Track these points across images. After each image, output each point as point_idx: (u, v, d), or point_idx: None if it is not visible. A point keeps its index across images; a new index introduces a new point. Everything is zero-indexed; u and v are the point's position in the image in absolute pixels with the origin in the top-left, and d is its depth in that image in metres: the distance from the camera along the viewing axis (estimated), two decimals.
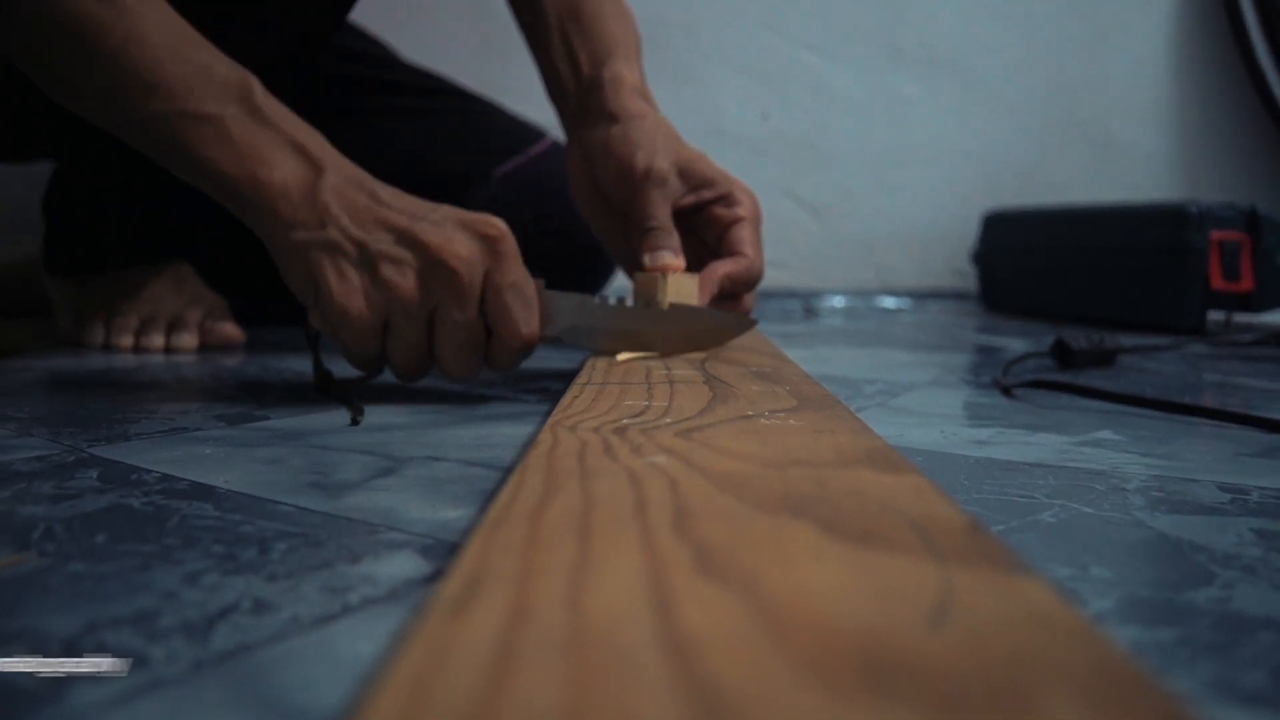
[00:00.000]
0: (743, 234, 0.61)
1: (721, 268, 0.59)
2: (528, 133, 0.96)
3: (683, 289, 0.56)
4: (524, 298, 0.48)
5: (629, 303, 0.58)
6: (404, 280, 0.46)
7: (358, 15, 1.07)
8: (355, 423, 0.46)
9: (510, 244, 0.48)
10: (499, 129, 0.95)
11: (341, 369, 0.55)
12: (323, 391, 0.53)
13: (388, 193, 0.48)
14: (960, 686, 0.14)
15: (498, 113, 0.98)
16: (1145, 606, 0.23)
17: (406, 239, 0.46)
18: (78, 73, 0.47)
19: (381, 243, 0.46)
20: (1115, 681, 0.15)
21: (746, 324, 0.58)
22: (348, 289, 0.46)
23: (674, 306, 0.55)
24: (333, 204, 0.46)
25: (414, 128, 0.93)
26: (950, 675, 0.15)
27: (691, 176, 0.61)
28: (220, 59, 0.48)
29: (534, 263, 0.54)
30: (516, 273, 0.48)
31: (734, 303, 0.62)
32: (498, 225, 0.48)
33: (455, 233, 0.46)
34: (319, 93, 0.87)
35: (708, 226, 0.62)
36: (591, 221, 0.66)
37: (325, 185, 0.46)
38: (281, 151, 0.46)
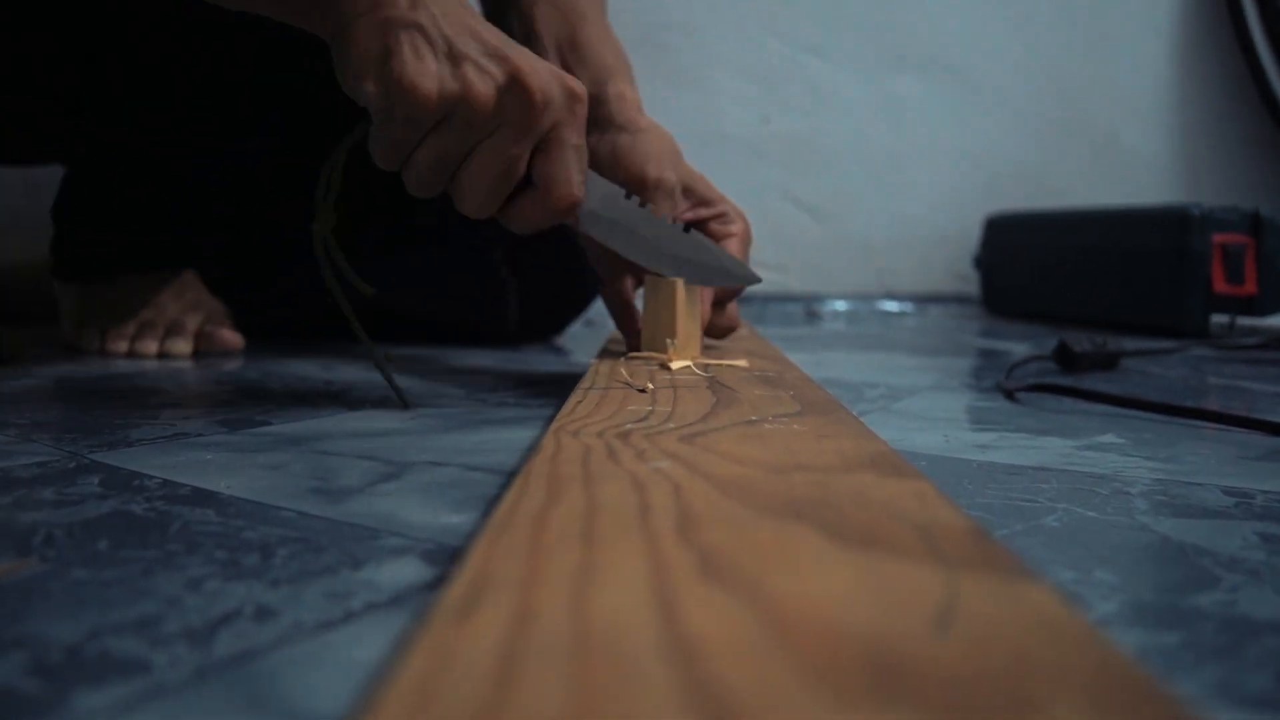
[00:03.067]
0: (730, 249, 0.62)
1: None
2: None
3: (691, 294, 0.57)
4: (582, 163, 0.49)
5: (639, 304, 0.59)
6: (483, 86, 0.45)
7: None
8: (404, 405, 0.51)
9: (585, 108, 0.48)
10: None
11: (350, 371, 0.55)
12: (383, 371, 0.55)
13: (484, 21, 0.47)
14: (965, 692, 0.14)
15: None
16: (1150, 610, 0.23)
17: (496, 55, 0.45)
18: None
19: (470, 48, 0.45)
20: (1119, 687, 0.14)
21: (751, 278, 0.59)
22: (423, 67, 0.44)
23: (693, 233, 0.57)
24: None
25: None
26: (955, 681, 0.15)
27: (693, 193, 0.62)
28: None
29: (527, 256, 0.54)
30: (583, 137, 0.49)
31: (719, 310, 0.63)
32: (583, 89, 0.48)
33: (545, 70, 0.46)
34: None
35: None
36: None
37: None
38: None
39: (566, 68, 0.65)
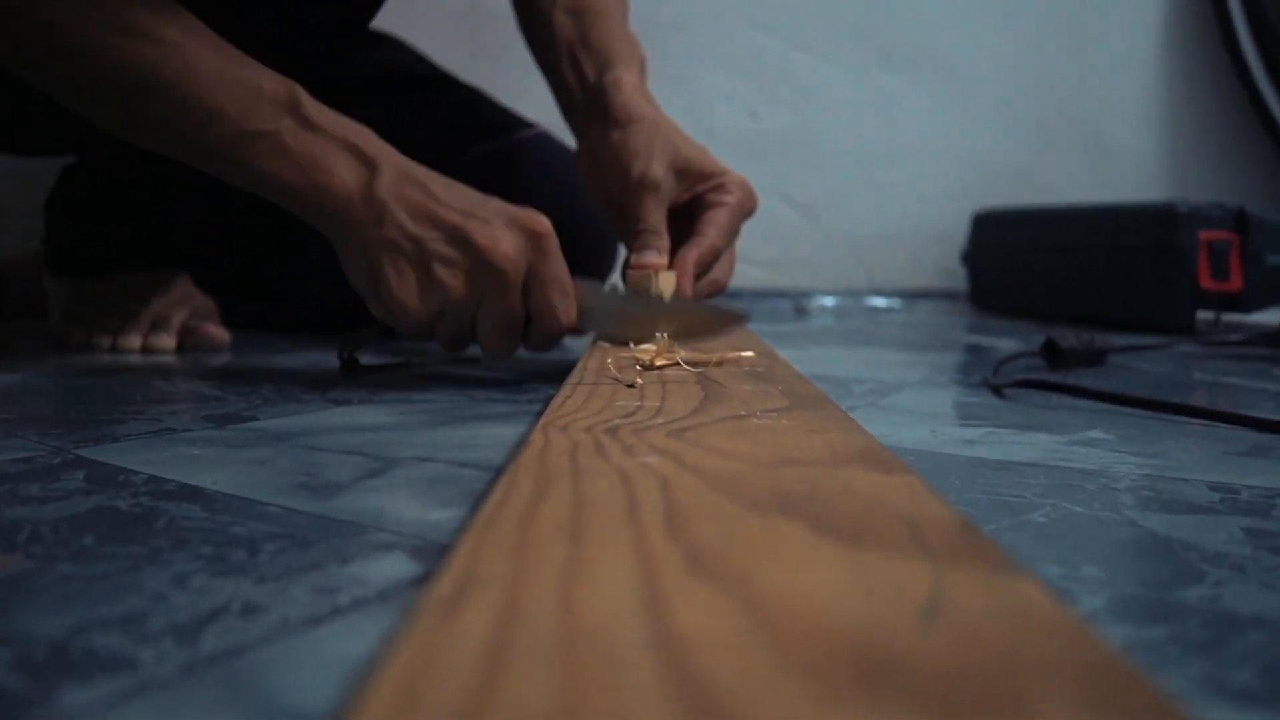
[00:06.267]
0: (713, 217, 0.63)
1: (687, 255, 0.62)
2: (514, 121, 0.93)
3: (669, 283, 0.59)
4: (563, 290, 0.52)
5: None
6: (455, 280, 0.50)
7: None
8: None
9: (553, 240, 0.52)
10: (481, 114, 0.94)
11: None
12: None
13: (440, 186, 0.51)
14: (952, 685, 0.14)
15: (485, 101, 0.96)
16: (1136, 605, 0.23)
17: (458, 238, 0.50)
18: (137, 112, 0.51)
19: (434, 241, 0.50)
20: (1106, 680, 0.15)
21: (738, 319, 0.60)
22: (405, 286, 0.50)
23: (674, 299, 0.58)
24: (389, 201, 0.50)
25: (389, 106, 0.93)
26: (942, 674, 0.15)
27: (689, 174, 0.63)
28: (267, 75, 0.51)
29: None
30: (558, 267, 0.52)
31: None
32: (543, 222, 0.51)
33: (503, 231, 0.50)
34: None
35: (697, 213, 0.65)
36: (607, 217, 0.69)
37: (381, 183, 0.50)
38: (337, 156, 0.50)
39: (576, 65, 0.68)
